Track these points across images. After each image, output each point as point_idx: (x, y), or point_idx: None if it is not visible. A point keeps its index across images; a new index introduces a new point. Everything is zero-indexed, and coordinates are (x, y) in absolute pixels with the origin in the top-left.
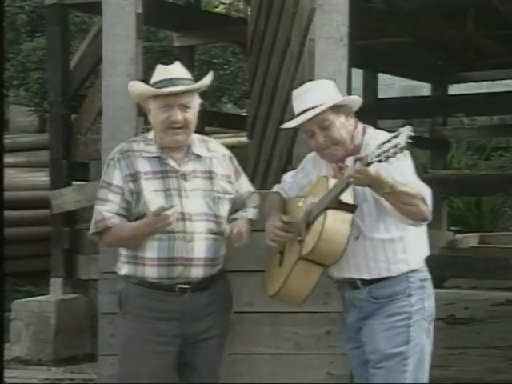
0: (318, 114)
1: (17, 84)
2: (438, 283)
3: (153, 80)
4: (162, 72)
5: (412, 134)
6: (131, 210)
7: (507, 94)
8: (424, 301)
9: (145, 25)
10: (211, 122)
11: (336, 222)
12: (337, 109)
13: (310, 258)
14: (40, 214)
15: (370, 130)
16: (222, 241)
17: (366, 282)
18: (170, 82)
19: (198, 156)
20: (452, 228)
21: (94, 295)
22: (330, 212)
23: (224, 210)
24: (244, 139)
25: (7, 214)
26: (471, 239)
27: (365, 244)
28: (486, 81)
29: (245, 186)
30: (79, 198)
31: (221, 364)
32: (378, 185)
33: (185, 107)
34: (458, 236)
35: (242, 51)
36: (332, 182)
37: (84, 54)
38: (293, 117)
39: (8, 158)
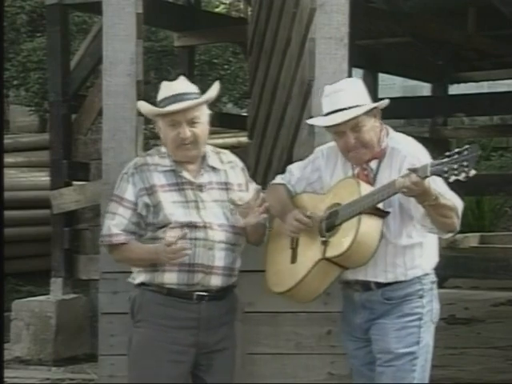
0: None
1: (17, 84)
2: (438, 283)
3: (158, 98)
4: (166, 89)
5: (479, 153)
6: (146, 223)
7: (508, 93)
8: (433, 303)
9: (145, 25)
10: (211, 122)
11: (370, 228)
12: (370, 112)
13: (336, 260)
14: (40, 214)
15: (391, 131)
16: (239, 252)
17: (381, 285)
18: (175, 98)
19: (214, 168)
20: None
21: (94, 295)
22: (364, 217)
23: (241, 221)
24: (244, 139)
25: (7, 214)
26: (472, 239)
27: (386, 249)
28: (487, 81)
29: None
30: (79, 197)
31: (233, 374)
32: (425, 197)
33: (193, 122)
34: (459, 236)
35: (242, 51)
36: (364, 187)
37: (84, 53)
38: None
39: (8, 158)
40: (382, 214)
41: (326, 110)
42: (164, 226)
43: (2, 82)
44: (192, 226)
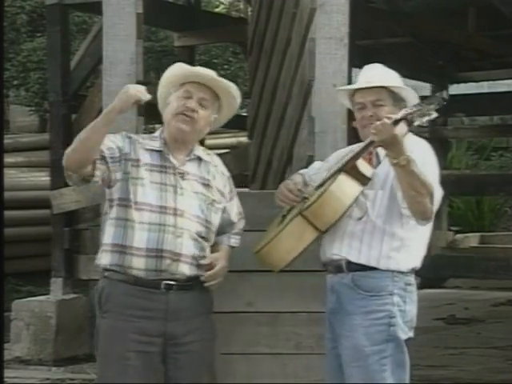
0: (379, 87)
1: (17, 84)
2: (438, 283)
3: None
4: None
5: (445, 98)
6: (118, 194)
7: (508, 93)
8: (406, 304)
9: (145, 25)
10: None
11: (343, 187)
12: (397, 100)
13: (305, 214)
14: (40, 214)
15: (412, 135)
16: (207, 247)
17: (351, 267)
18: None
19: (200, 159)
20: (452, 228)
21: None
22: (341, 176)
23: (215, 218)
24: (244, 139)
25: (7, 214)
26: (472, 239)
27: (365, 227)
28: (487, 81)
29: (236, 208)
30: (79, 197)
31: (210, 365)
32: (395, 150)
33: (202, 104)
34: (459, 236)
35: (242, 51)
36: (361, 162)
37: (84, 53)
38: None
39: (8, 158)
40: (361, 179)
41: (358, 80)
42: (134, 203)
43: (2, 82)
44: (163, 211)
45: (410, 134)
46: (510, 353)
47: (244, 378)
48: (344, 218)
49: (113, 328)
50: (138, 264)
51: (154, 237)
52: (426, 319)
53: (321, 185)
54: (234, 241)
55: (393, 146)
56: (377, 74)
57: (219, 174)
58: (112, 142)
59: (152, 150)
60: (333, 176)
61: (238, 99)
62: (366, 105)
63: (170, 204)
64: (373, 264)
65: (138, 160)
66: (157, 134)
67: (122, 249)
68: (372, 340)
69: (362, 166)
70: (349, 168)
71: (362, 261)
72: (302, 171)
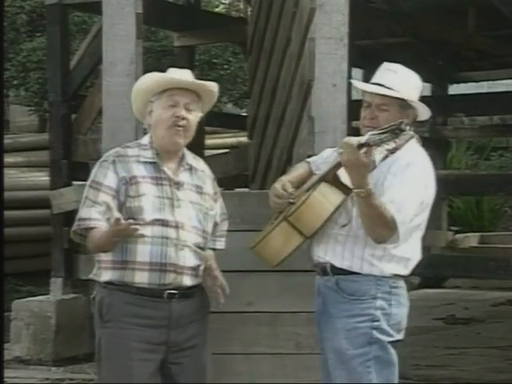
0: (384, 95)
1: (17, 84)
2: (438, 283)
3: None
4: (174, 72)
5: (404, 129)
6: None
7: (507, 93)
8: (392, 307)
9: (145, 25)
10: (211, 122)
11: (323, 195)
12: (405, 107)
13: (289, 219)
14: (40, 214)
15: (416, 145)
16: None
17: (335, 271)
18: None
19: (191, 168)
20: (452, 228)
21: None
22: (322, 185)
23: (210, 226)
24: (244, 139)
25: (7, 214)
26: (471, 239)
27: (348, 234)
28: (487, 81)
29: (220, 209)
30: (79, 197)
31: (205, 369)
32: (357, 176)
33: (188, 108)
34: (459, 236)
35: (242, 51)
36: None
37: (84, 53)
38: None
39: (8, 158)
40: (343, 189)
41: (374, 78)
42: (136, 218)
43: (2, 82)
44: (164, 224)
45: (415, 143)
46: (509, 353)
47: (244, 377)
48: (330, 222)
49: (116, 337)
50: (141, 278)
51: (156, 250)
52: (426, 319)
53: (308, 189)
54: (220, 243)
55: (355, 170)
56: (391, 77)
57: (207, 177)
58: (108, 200)
59: (146, 162)
60: (316, 183)
61: (217, 93)
62: (371, 105)
63: (169, 217)
64: (355, 270)
65: (134, 177)
66: (145, 141)
67: (122, 265)
68: (354, 343)
69: (345, 176)
70: (330, 178)
71: (345, 266)
72: (309, 159)
